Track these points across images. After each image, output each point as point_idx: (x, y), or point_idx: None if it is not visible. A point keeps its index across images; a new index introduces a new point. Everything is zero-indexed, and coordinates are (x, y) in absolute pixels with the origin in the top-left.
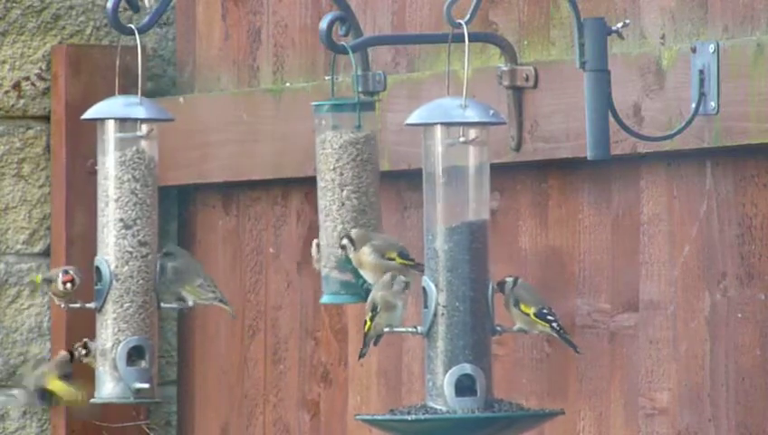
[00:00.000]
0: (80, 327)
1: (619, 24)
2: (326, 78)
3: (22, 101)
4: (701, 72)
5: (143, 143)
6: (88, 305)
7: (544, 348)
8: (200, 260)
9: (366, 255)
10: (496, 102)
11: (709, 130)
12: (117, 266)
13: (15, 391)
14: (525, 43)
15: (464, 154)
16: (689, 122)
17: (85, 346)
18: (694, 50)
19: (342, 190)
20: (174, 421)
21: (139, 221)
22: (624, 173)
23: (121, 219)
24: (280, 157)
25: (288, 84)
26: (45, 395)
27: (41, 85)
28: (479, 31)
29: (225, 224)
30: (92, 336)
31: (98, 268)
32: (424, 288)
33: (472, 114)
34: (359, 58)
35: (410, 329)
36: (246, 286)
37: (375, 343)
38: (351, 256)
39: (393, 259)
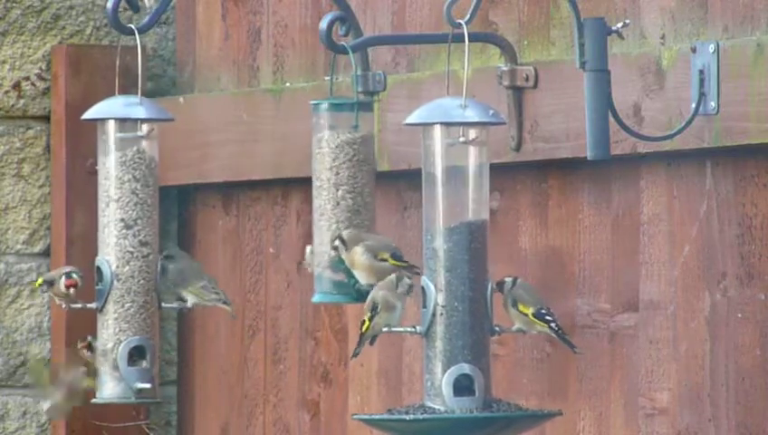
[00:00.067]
0: (80, 327)
1: (619, 24)
2: (326, 78)
3: (22, 101)
4: (701, 72)
5: (143, 143)
6: (89, 305)
7: (545, 348)
8: (200, 260)
9: (358, 255)
10: (496, 102)
11: (709, 130)
12: (118, 266)
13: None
14: (525, 43)
15: (463, 154)
16: (689, 122)
17: (89, 346)
18: (694, 50)
19: (338, 190)
20: (174, 421)
21: (139, 221)
22: (624, 173)
23: (122, 219)
24: (280, 157)
25: (288, 84)
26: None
27: (41, 85)
28: (479, 31)
29: (225, 224)
30: (93, 336)
31: (99, 268)
32: (423, 288)
33: (472, 114)
34: (359, 58)
35: (409, 329)
36: (246, 286)
37: (371, 343)
38: (344, 256)
39: (386, 260)
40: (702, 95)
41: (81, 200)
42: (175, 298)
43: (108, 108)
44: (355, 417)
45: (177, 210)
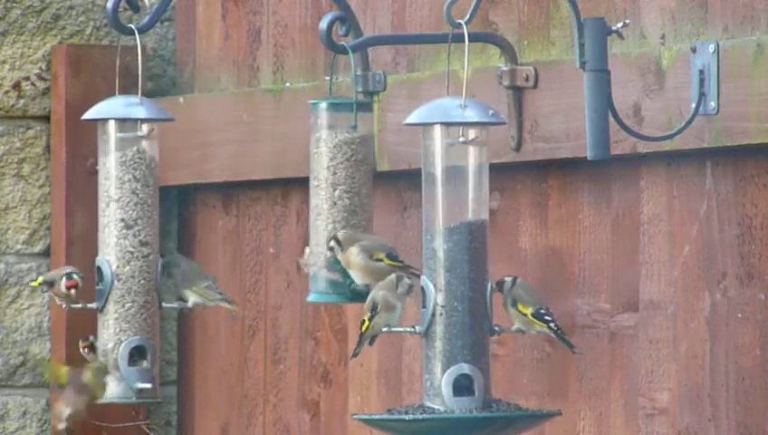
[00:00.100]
0: (80, 327)
1: (619, 24)
2: (326, 78)
3: (22, 101)
4: (701, 72)
5: (144, 143)
6: (89, 306)
7: (545, 348)
8: (200, 260)
9: (354, 255)
10: (496, 102)
11: (709, 130)
12: (118, 267)
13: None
14: (525, 43)
15: (463, 154)
16: (689, 122)
17: (91, 347)
18: (694, 50)
19: (335, 190)
20: (174, 421)
21: (140, 221)
22: (624, 173)
23: (122, 219)
24: (280, 157)
25: (288, 84)
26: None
27: (41, 85)
28: (479, 31)
29: (225, 224)
30: (94, 336)
31: (99, 268)
32: (422, 288)
33: (471, 114)
34: (358, 58)
35: (408, 329)
36: (246, 286)
37: (370, 343)
38: (339, 256)
39: (381, 260)
40: (702, 95)
41: (81, 200)
42: (175, 298)
43: (108, 108)
44: (355, 417)
45: (177, 210)
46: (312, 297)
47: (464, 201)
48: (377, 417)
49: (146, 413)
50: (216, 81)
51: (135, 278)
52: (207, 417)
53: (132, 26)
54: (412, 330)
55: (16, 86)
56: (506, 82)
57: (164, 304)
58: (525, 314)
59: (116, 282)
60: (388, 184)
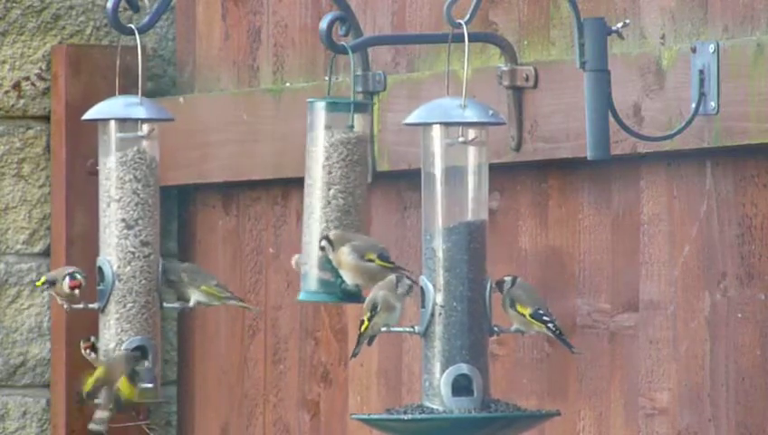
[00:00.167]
0: (80, 327)
1: (619, 24)
2: (326, 78)
3: (22, 101)
4: (701, 72)
5: (144, 143)
6: (91, 306)
7: (544, 348)
8: (200, 260)
9: (345, 255)
10: (496, 102)
11: (709, 130)
12: (119, 267)
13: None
14: (525, 43)
15: (463, 154)
16: (689, 122)
17: (93, 347)
18: (694, 50)
19: (329, 189)
20: (174, 421)
21: (141, 221)
22: (624, 173)
23: (123, 219)
24: (280, 157)
25: (288, 84)
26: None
27: (41, 85)
28: (479, 31)
29: (225, 224)
30: (95, 336)
31: (100, 269)
32: (422, 288)
33: (471, 114)
34: (358, 58)
35: (407, 329)
36: (246, 286)
37: (369, 343)
38: (331, 256)
39: (372, 260)
40: (702, 95)
41: (81, 200)
42: (176, 298)
43: (108, 108)
44: (354, 417)
45: (178, 210)
46: (302, 296)
47: (463, 201)
48: (375, 417)
49: (146, 413)
50: (215, 81)
51: (136, 278)
52: (207, 417)
53: (132, 26)
54: (411, 330)
55: (16, 86)
56: (506, 82)
57: (165, 305)
58: (524, 315)
59: (117, 282)
60: (388, 184)
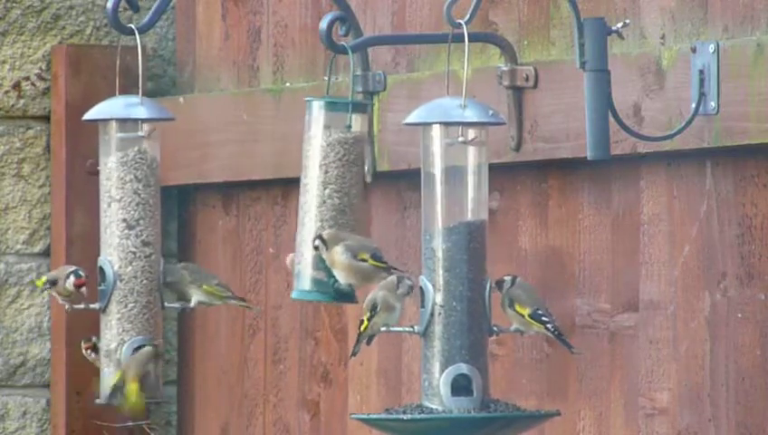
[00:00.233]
0: (80, 327)
1: (619, 24)
2: (326, 78)
3: (22, 101)
4: (701, 72)
5: (145, 143)
6: (92, 306)
7: (544, 348)
8: (200, 260)
9: (338, 254)
10: (496, 102)
11: (709, 130)
12: (120, 267)
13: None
14: (525, 43)
15: (462, 154)
16: (689, 122)
17: (94, 348)
18: (694, 50)
19: (325, 188)
20: (174, 421)
21: (141, 221)
22: (624, 173)
23: (124, 220)
24: (280, 157)
25: (288, 84)
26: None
27: (41, 85)
28: (479, 31)
29: (225, 224)
30: (96, 336)
31: (102, 269)
32: (421, 288)
33: (471, 114)
34: (358, 58)
35: (407, 328)
36: (246, 286)
37: (368, 343)
38: (324, 255)
39: (365, 260)
40: (702, 95)
41: (81, 200)
42: (176, 298)
43: (109, 108)
44: (353, 416)
45: (178, 210)
46: (295, 295)
47: (463, 201)
48: (375, 416)
49: (146, 413)
50: (215, 81)
51: (137, 278)
52: (207, 417)
53: (132, 26)
54: (411, 330)
55: (16, 86)
56: (506, 82)
57: (166, 305)
58: (523, 315)
59: (118, 282)
60: (389, 184)
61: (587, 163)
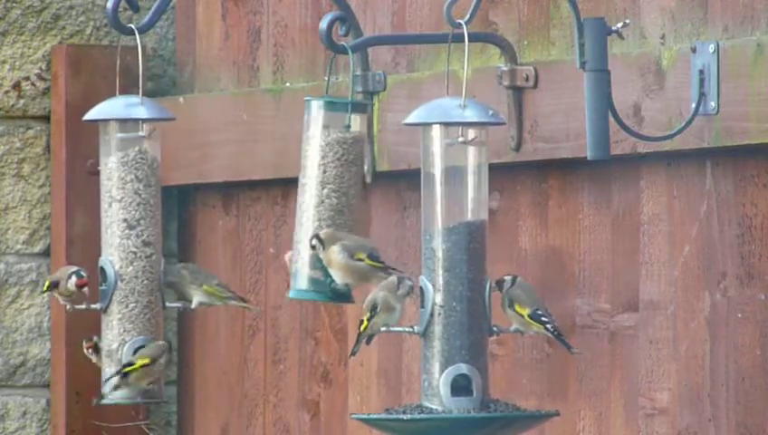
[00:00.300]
0: (80, 327)
1: (619, 24)
2: (325, 78)
3: (22, 101)
4: (701, 72)
5: (145, 143)
6: (93, 306)
7: (544, 348)
8: (200, 260)
9: (335, 254)
10: (496, 102)
11: (709, 130)
12: (121, 267)
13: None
14: (525, 43)
15: (462, 154)
16: (689, 122)
17: (95, 348)
18: (694, 50)
19: (323, 188)
20: (174, 421)
21: (142, 221)
22: (624, 173)
23: (125, 220)
24: (280, 157)
25: (288, 84)
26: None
27: (41, 85)
28: (479, 31)
29: (225, 224)
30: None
31: (102, 269)
32: (421, 288)
33: (471, 114)
34: (358, 58)
35: (407, 329)
36: (246, 286)
37: (367, 342)
38: (321, 255)
39: (362, 260)
40: (702, 95)
41: (81, 200)
42: (177, 298)
43: (109, 108)
44: (353, 416)
45: (178, 210)
46: (292, 294)
47: (463, 201)
48: (374, 416)
49: (146, 413)
50: (215, 81)
51: (138, 278)
52: (207, 417)
53: (132, 26)
54: (410, 330)
55: (16, 86)
56: (506, 82)
57: (167, 305)
58: (522, 315)
59: (119, 282)
60: (388, 184)
61: (587, 163)
